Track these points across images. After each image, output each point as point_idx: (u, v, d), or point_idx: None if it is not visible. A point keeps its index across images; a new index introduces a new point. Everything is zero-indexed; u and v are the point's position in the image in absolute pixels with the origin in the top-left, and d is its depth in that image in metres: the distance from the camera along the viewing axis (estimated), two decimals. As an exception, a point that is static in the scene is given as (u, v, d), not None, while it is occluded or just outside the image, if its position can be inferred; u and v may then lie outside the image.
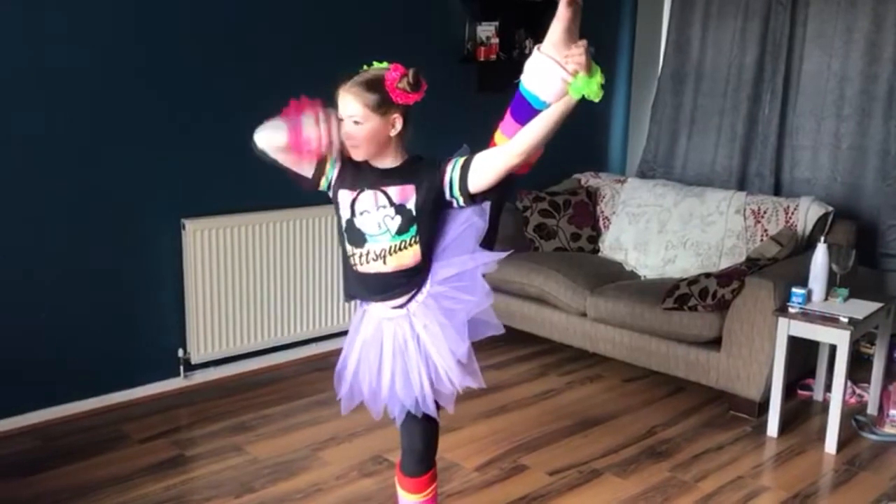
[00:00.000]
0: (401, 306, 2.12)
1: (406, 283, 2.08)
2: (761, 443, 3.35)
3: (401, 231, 2.04)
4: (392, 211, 2.03)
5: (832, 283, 3.42)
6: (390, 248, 2.05)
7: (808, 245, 3.83)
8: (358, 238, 2.07)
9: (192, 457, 3.10)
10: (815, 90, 4.48)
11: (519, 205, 4.57)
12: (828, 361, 3.66)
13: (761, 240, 4.01)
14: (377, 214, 2.04)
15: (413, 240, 2.05)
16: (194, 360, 3.70)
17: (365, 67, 2.06)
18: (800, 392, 3.81)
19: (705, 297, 3.54)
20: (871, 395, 3.60)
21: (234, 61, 3.63)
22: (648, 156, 5.15)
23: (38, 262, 3.22)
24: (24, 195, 3.16)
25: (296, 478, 2.97)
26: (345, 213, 2.10)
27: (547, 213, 4.52)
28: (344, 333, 4.14)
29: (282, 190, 3.87)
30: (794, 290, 3.33)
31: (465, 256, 2.07)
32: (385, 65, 2.05)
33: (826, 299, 3.37)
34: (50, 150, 3.19)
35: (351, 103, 2.00)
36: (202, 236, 3.61)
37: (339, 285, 4.12)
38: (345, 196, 2.09)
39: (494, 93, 4.60)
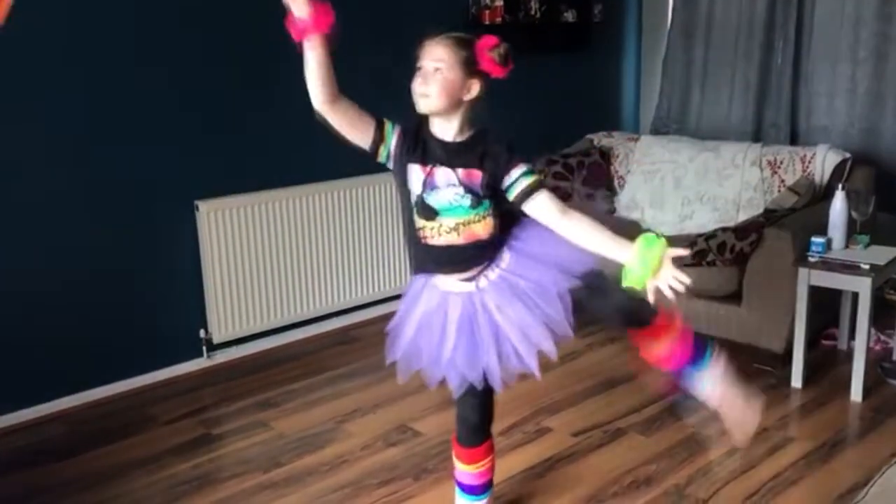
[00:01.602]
0: (470, 279, 2.07)
1: (479, 255, 2.05)
2: (786, 394, 3.33)
3: (474, 206, 2.00)
4: (461, 190, 1.99)
5: (852, 230, 3.37)
6: (464, 221, 2.01)
7: (826, 194, 3.77)
8: (429, 212, 2.02)
9: (218, 435, 3.14)
10: (829, 34, 4.39)
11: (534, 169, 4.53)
12: (851, 310, 3.63)
13: (779, 191, 3.95)
14: (447, 192, 2.00)
15: (487, 213, 2.01)
16: (216, 339, 3.73)
17: None
18: (824, 342, 3.78)
19: (723, 251, 3.50)
20: (896, 342, 3.57)
21: (238, 40, 3.62)
22: (661, 112, 5.08)
23: (56, 251, 3.25)
24: (38, 183, 3.17)
25: (322, 450, 2.99)
26: (416, 188, 2.04)
27: (561, 175, 4.48)
28: (363, 307, 4.22)
29: (293, 167, 3.91)
30: (813, 239, 3.29)
31: (549, 273, 2.05)
32: None
33: (846, 247, 3.33)
34: (62, 139, 3.20)
35: (438, 49, 1.98)
36: (216, 217, 3.62)
37: (356, 258, 4.15)
38: (416, 171, 2.04)
39: (501, 56, 4.57)
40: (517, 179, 1.97)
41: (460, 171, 1.99)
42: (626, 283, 1.93)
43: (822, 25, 4.41)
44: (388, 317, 4.46)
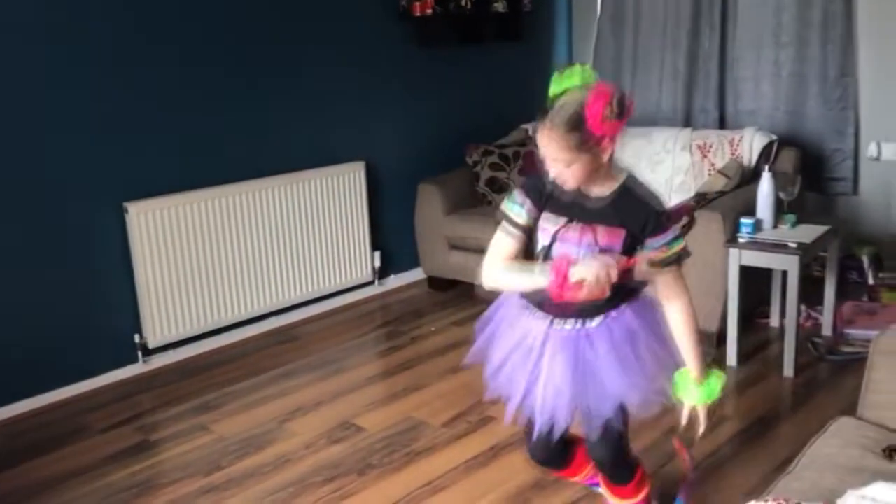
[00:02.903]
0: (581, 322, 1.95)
1: (598, 305, 1.89)
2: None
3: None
4: (597, 250, 1.84)
5: (780, 210, 3.45)
6: None
7: (754, 175, 3.86)
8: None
9: (156, 441, 3.08)
10: (753, 20, 4.48)
11: (469, 160, 4.55)
12: (781, 288, 3.72)
13: (709, 174, 4.03)
14: (580, 249, 1.85)
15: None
16: (151, 344, 3.65)
17: (556, 89, 1.79)
18: (759, 320, 3.87)
19: (657, 235, 3.55)
20: (825, 318, 3.67)
21: (169, 37, 3.54)
22: (594, 100, 5.12)
23: (-23, 259, 3.14)
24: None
25: (264, 451, 2.96)
26: (544, 240, 1.91)
27: (497, 166, 4.51)
28: (303, 305, 4.18)
29: (223, 166, 3.85)
30: (742, 220, 3.36)
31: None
32: (577, 80, 1.78)
33: (775, 227, 3.41)
34: (-23, 142, 3.10)
35: (554, 149, 1.77)
36: (146, 219, 3.53)
37: (293, 255, 4.11)
38: (549, 222, 1.90)
39: (432, 48, 4.57)
40: (668, 243, 1.87)
41: (600, 229, 1.85)
42: (676, 392, 1.97)
43: (747, 11, 4.50)
44: (327, 314, 4.47)
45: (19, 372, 3.29)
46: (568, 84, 1.79)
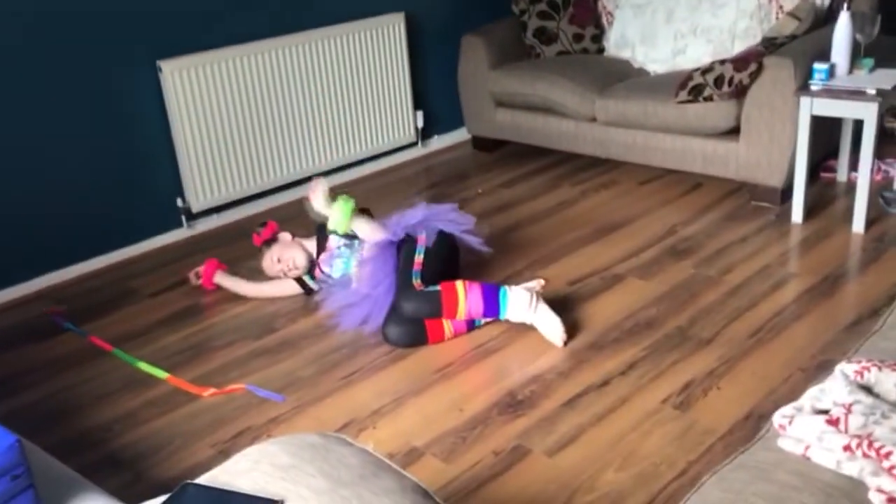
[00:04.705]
0: None
1: None
2: (786, 230, 3.25)
3: None
4: None
5: (857, 55, 3.18)
6: None
7: (827, 18, 3.56)
8: None
9: (205, 305, 3.05)
10: None
11: (515, 9, 4.26)
12: (852, 139, 3.50)
13: (777, 18, 3.72)
14: None
15: None
16: (195, 208, 3.58)
17: None
18: (822, 175, 3.67)
19: (721, 84, 3.32)
20: (898, 170, 3.46)
21: None
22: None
23: (20, 126, 3.04)
24: (-17, 52, 2.93)
25: (315, 314, 2.92)
26: None
27: (546, 14, 4.22)
28: (345, 168, 4.06)
29: (257, 20, 3.64)
30: (815, 66, 3.11)
31: None
32: None
33: (850, 72, 3.16)
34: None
35: None
36: (181, 77, 3.38)
37: (339, 114, 3.96)
38: None
39: None
40: None
41: None
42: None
43: None
44: (370, 177, 4.37)
45: (65, 238, 3.26)
46: None
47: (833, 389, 1.40)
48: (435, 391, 2.43)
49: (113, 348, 2.76)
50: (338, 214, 2.85)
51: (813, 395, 1.42)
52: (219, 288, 3.09)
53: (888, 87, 3.01)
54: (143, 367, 2.64)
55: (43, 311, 3.03)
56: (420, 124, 4.37)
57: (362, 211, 2.93)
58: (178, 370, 2.62)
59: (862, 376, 1.42)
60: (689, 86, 3.42)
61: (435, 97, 4.41)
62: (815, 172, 3.60)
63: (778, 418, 1.41)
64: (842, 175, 3.62)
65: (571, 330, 2.64)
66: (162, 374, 2.60)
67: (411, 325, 2.63)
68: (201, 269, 3.13)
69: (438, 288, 2.62)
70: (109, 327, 2.92)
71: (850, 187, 3.41)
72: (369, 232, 2.83)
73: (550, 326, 2.58)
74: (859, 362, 1.45)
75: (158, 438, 2.31)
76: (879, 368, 1.41)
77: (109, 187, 3.35)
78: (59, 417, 2.44)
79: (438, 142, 4.53)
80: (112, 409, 2.46)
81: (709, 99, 3.37)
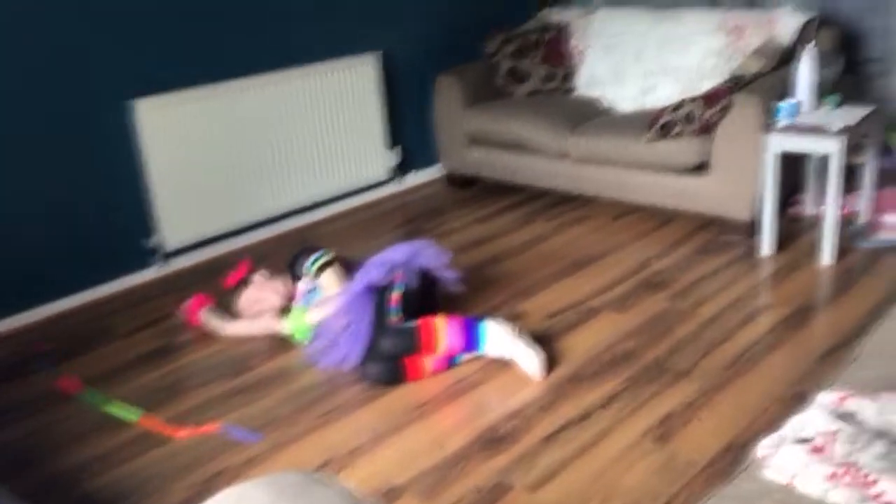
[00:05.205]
0: None
1: None
2: (756, 263, 3.31)
3: None
4: None
5: (821, 92, 3.28)
6: None
7: (791, 56, 3.66)
8: None
9: (181, 343, 3.01)
10: None
11: (488, 49, 4.33)
12: (818, 175, 3.58)
13: (743, 57, 3.82)
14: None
15: None
16: (169, 246, 3.56)
17: None
18: (790, 209, 3.74)
19: (690, 121, 3.40)
20: (862, 204, 3.54)
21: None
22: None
23: (-17, 161, 3.01)
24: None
25: (294, 350, 2.89)
26: None
27: (517, 55, 4.29)
28: (321, 204, 4.06)
29: (233, 60, 3.66)
30: (781, 103, 3.19)
31: None
32: None
33: (816, 109, 3.24)
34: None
35: None
36: (155, 116, 3.38)
37: (308, 156, 3.96)
38: None
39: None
40: None
41: None
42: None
43: None
44: (346, 214, 4.38)
45: (38, 277, 3.21)
46: None
47: (815, 418, 1.42)
48: (414, 428, 2.42)
49: (83, 390, 2.71)
50: (292, 327, 2.92)
51: (796, 425, 1.44)
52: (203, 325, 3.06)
53: (852, 123, 3.10)
54: (114, 408, 2.59)
55: (33, 348, 2.99)
56: (396, 161, 4.39)
57: (331, 262, 2.92)
58: (152, 411, 2.58)
59: (843, 404, 1.44)
60: (660, 123, 3.49)
61: (410, 134, 4.44)
62: (783, 207, 3.67)
63: (762, 448, 1.42)
64: (809, 209, 3.69)
65: (550, 363, 2.65)
66: (134, 415, 2.56)
67: (390, 363, 2.61)
68: (187, 304, 3.10)
69: (416, 323, 2.62)
70: (83, 368, 2.87)
71: (817, 221, 3.48)
72: (334, 290, 2.85)
73: (529, 360, 2.59)
74: (840, 391, 1.47)
75: (133, 481, 2.26)
76: (860, 397, 1.44)
77: (83, 226, 3.31)
78: (31, 460, 2.39)
79: (414, 178, 4.56)
80: (85, 451, 2.41)
81: (679, 136, 3.44)
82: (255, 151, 3.76)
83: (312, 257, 2.93)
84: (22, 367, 2.89)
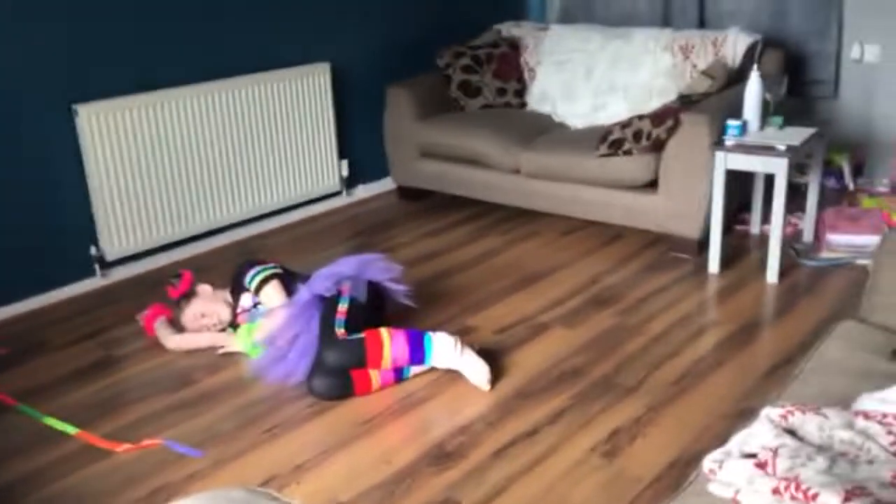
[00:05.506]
0: None
1: None
2: (703, 280, 3.34)
3: None
4: None
5: (766, 113, 3.34)
6: None
7: (738, 77, 3.73)
8: None
9: (120, 357, 2.93)
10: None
11: (439, 62, 4.33)
12: (763, 194, 3.65)
13: (691, 77, 3.89)
14: None
15: None
16: (109, 256, 3.46)
17: None
18: (737, 227, 3.80)
19: (640, 139, 3.43)
20: (807, 223, 3.61)
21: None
22: (568, 0, 4.92)
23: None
24: None
25: (237, 365, 2.83)
26: None
27: (469, 69, 4.30)
28: (268, 216, 3.99)
29: (180, 66, 3.59)
30: (729, 122, 3.24)
31: None
32: None
33: (761, 129, 3.30)
34: None
35: None
36: (98, 122, 3.29)
37: (258, 163, 3.91)
38: None
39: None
40: None
41: None
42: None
43: None
44: (294, 225, 4.32)
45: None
46: None
47: (760, 433, 1.42)
48: (361, 444, 2.38)
49: (18, 403, 2.61)
50: (240, 344, 2.88)
51: (740, 440, 1.44)
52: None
53: (797, 143, 3.16)
54: (51, 422, 2.50)
55: None
56: (345, 173, 4.35)
57: (273, 277, 2.87)
58: (91, 425, 2.49)
59: (787, 420, 1.44)
60: (610, 139, 3.52)
61: (360, 146, 4.41)
62: (730, 225, 3.73)
63: (708, 463, 1.42)
64: (754, 227, 3.76)
65: (498, 378, 2.63)
66: (72, 429, 2.47)
67: (337, 377, 2.57)
68: (146, 313, 3.01)
69: (362, 335, 2.58)
70: (17, 381, 2.77)
71: (763, 239, 3.54)
72: (277, 304, 2.82)
73: (476, 370, 2.58)
74: (783, 406, 1.48)
75: (68, 498, 2.18)
76: (803, 412, 1.45)
77: (19, 233, 3.20)
78: (-42, 477, 2.29)
79: (364, 191, 4.52)
80: (19, 467, 2.31)
81: (628, 153, 3.47)
82: (200, 160, 3.68)
83: (253, 271, 2.87)
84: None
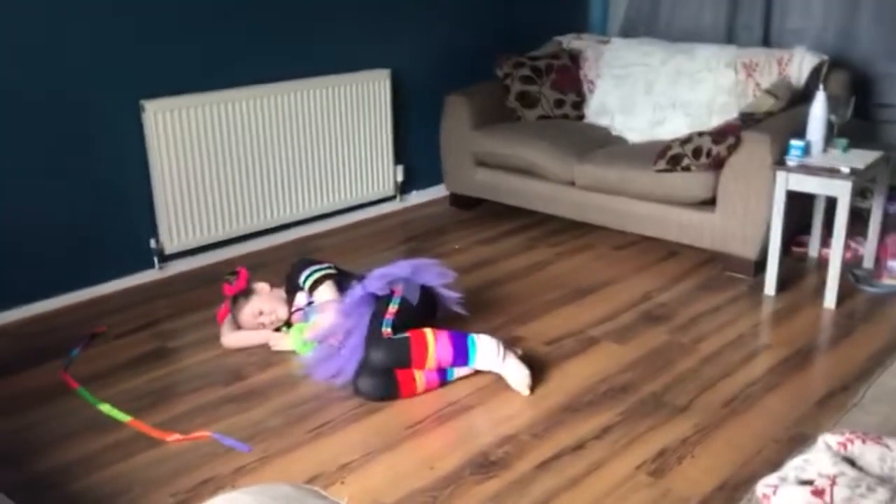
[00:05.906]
0: None
1: None
2: (759, 302, 3.28)
3: None
4: None
5: (831, 135, 3.27)
6: None
7: (803, 97, 3.66)
8: None
9: (174, 348, 2.99)
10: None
11: (499, 72, 4.33)
12: (823, 217, 3.57)
13: (753, 95, 3.83)
14: None
15: None
16: (168, 250, 3.53)
17: None
18: (794, 249, 3.73)
19: (699, 155, 3.39)
20: (868, 249, 3.52)
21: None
22: (632, 13, 4.89)
23: (-12, 153, 3.00)
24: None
25: (286, 363, 2.86)
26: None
27: (528, 79, 4.30)
28: (322, 217, 4.04)
29: (245, 67, 3.66)
30: (792, 142, 3.19)
31: None
32: None
33: (825, 151, 3.24)
34: (-13, 29, 2.91)
35: None
36: (164, 118, 3.37)
37: (318, 165, 3.96)
38: None
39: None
40: None
41: None
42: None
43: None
44: (347, 228, 4.36)
45: (35, 274, 3.19)
46: None
47: (817, 460, 1.39)
48: (405, 448, 2.38)
49: (78, 386, 2.68)
50: (292, 343, 2.90)
51: (797, 465, 1.41)
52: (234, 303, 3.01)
53: (861, 166, 3.09)
54: (106, 408, 2.56)
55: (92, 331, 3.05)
56: (400, 178, 4.38)
57: (327, 277, 2.90)
58: (142, 414, 2.54)
59: (845, 448, 1.41)
60: (668, 155, 3.48)
61: (415, 153, 4.44)
62: (787, 246, 3.66)
63: (761, 488, 1.39)
64: (813, 250, 3.68)
65: (545, 390, 2.62)
66: (125, 417, 2.52)
67: (383, 377, 2.58)
68: (221, 306, 3.05)
69: (407, 335, 2.59)
70: (73, 367, 2.84)
71: (821, 263, 3.47)
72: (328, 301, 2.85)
73: (517, 375, 2.58)
74: (843, 434, 1.44)
75: (118, 484, 2.23)
76: (863, 441, 1.41)
77: (84, 224, 3.29)
78: (20, 456, 2.35)
79: (417, 197, 4.54)
80: (73, 451, 2.37)
81: (686, 169, 3.43)
82: (259, 159, 3.74)
83: (308, 270, 2.90)
84: (21, 361, 2.86)
